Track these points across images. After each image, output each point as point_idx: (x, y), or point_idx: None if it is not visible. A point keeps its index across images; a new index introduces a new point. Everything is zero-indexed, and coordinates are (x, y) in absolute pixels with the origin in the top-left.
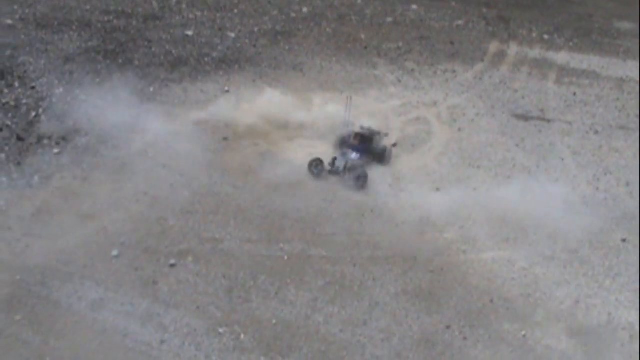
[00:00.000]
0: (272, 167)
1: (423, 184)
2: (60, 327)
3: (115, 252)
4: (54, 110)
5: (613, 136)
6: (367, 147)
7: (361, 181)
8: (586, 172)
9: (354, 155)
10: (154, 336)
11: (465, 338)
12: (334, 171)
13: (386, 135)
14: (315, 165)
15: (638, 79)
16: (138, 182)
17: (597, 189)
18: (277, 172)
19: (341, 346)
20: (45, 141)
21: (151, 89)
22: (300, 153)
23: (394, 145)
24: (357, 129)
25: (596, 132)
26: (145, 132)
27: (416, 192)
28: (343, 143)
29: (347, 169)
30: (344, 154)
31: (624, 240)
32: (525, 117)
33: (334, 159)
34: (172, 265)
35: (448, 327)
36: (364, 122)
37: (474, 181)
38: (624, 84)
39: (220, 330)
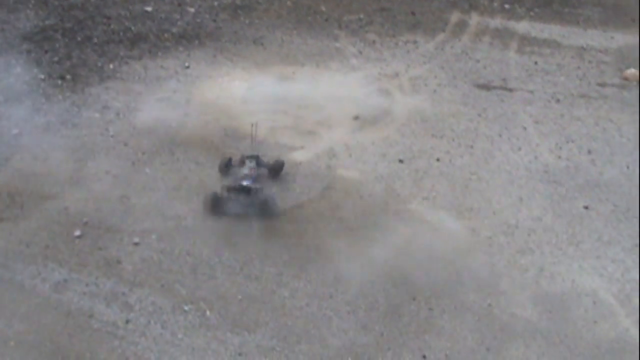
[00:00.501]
0: (234, 142)
1: (386, 155)
2: (24, 309)
3: (77, 232)
4: (11, 90)
5: (574, 104)
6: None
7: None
8: (548, 141)
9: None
10: (119, 316)
11: (430, 309)
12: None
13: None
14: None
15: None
16: (99, 161)
17: (559, 157)
18: (239, 147)
19: (307, 320)
20: (4, 122)
21: (111, 66)
22: (262, 126)
23: (356, 118)
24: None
25: (558, 101)
26: (105, 110)
27: (379, 163)
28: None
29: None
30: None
31: (586, 208)
32: (487, 87)
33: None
34: (136, 244)
35: (414, 299)
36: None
37: (437, 151)
38: (584, 53)
39: (186, 308)
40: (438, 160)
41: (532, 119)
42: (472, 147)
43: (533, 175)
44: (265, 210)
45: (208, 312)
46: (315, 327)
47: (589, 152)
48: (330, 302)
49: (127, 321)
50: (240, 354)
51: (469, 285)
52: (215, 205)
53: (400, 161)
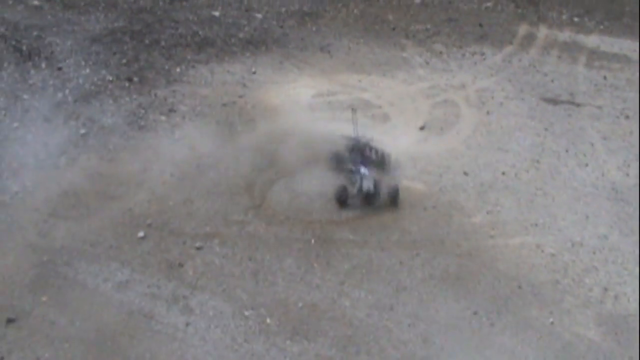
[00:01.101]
0: (299, 149)
1: (450, 167)
2: (87, 308)
3: (141, 234)
4: (80, 91)
5: None
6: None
7: (396, 196)
8: (616, 158)
9: (365, 171)
10: (179, 318)
11: (492, 324)
12: (365, 195)
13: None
14: (340, 193)
15: None
16: (164, 164)
17: (627, 174)
18: (304, 153)
19: (367, 330)
20: (72, 122)
21: (178, 69)
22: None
23: (422, 128)
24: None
25: (627, 117)
26: (172, 113)
27: (444, 175)
28: (343, 159)
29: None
30: (355, 173)
31: None
32: (554, 101)
33: (358, 181)
34: (198, 248)
35: (475, 313)
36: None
37: (503, 165)
38: None
39: (246, 313)
40: (503, 174)
41: (600, 134)
42: (538, 161)
43: (600, 192)
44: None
45: (268, 319)
46: (375, 339)
47: None
48: (390, 314)
49: (188, 324)
50: None
51: (531, 302)
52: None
53: (465, 174)
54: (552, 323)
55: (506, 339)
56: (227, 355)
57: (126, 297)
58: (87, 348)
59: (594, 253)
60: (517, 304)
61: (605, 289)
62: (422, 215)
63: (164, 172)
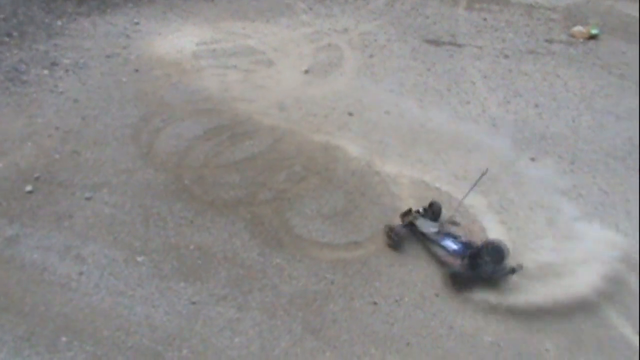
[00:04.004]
0: (185, 96)
1: (335, 108)
2: None
3: (29, 188)
4: None
5: (522, 60)
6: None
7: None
8: (496, 95)
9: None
10: (72, 269)
11: (377, 256)
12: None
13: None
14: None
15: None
16: (49, 118)
17: (507, 110)
18: (190, 99)
19: (259, 268)
20: None
21: (59, 23)
22: (212, 81)
23: (306, 72)
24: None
25: (506, 57)
26: (54, 67)
27: (329, 116)
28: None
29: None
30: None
31: (532, 159)
32: (436, 43)
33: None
34: (88, 198)
35: (357, 244)
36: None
37: (387, 105)
38: (533, 10)
39: (139, 259)
40: (387, 113)
41: (481, 73)
42: (421, 100)
43: (481, 127)
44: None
45: (161, 263)
46: (267, 276)
47: (536, 106)
48: (280, 252)
49: (81, 273)
50: (193, 303)
51: None
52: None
53: (350, 114)
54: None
55: (395, 269)
56: (122, 301)
57: (17, 251)
58: None
59: (477, 185)
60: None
61: (489, 220)
62: (307, 155)
63: (49, 126)
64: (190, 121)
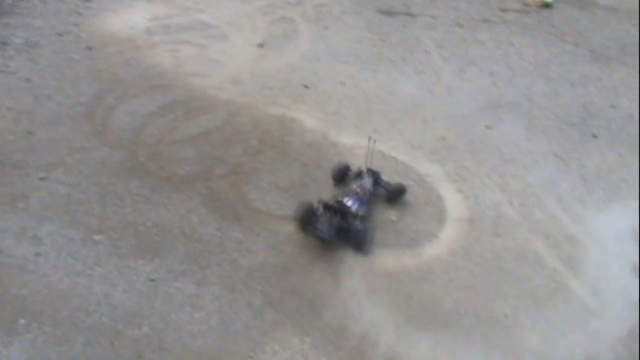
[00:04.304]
0: (139, 72)
1: (290, 81)
2: None
3: None
4: None
5: (477, 29)
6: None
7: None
8: (451, 64)
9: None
10: (29, 250)
11: None
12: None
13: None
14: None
15: None
16: (1, 98)
17: (462, 79)
18: (144, 75)
19: (217, 243)
20: None
21: (8, 1)
22: (166, 57)
23: (260, 45)
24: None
25: (460, 26)
26: (4, 47)
27: (285, 90)
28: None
29: None
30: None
31: (488, 127)
32: (390, 13)
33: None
34: (43, 179)
35: None
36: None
37: (341, 76)
38: None
39: (96, 238)
40: (342, 84)
41: (435, 43)
42: (375, 71)
43: (436, 97)
44: (356, 243)
45: (119, 241)
46: (225, 250)
47: (491, 74)
48: (238, 226)
49: (38, 254)
50: (152, 280)
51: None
52: (307, 219)
53: (305, 86)
54: (394, 222)
55: None
56: (80, 281)
57: None
58: None
59: (432, 154)
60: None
61: (446, 189)
62: (261, 128)
63: (1, 107)
64: (145, 98)
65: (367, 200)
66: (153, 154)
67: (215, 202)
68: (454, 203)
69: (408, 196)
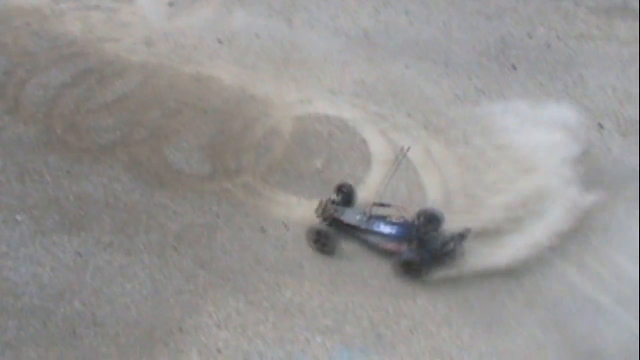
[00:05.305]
0: (48, 43)
1: (204, 38)
2: None
3: None
4: None
5: None
6: None
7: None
8: (366, 6)
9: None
10: None
11: (265, 180)
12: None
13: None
14: None
15: None
16: None
17: (378, 21)
18: (54, 46)
19: (143, 210)
20: None
21: None
22: (75, 24)
23: (170, 4)
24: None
25: None
26: None
27: (198, 46)
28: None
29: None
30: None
31: (407, 67)
32: None
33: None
34: None
35: (238, 171)
36: None
37: (255, 28)
38: None
39: (19, 218)
40: (257, 36)
41: None
42: (290, 20)
43: (353, 40)
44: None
45: (42, 219)
46: (152, 216)
47: (407, 13)
48: (163, 190)
49: None
50: (80, 255)
51: (305, 154)
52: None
53: (220, 41)
54: (318, 170)
55: (280, 194)
56: (5, 264)
57: None
58: None
59: (353, 97)
60: (291, 158)
61: (368, 131)
62: (179, 88)
63: None
64: (56, 68)
65: None
66: (70, 125)
67: (138, 168)
68: (378, 145)
69: (332, 142)
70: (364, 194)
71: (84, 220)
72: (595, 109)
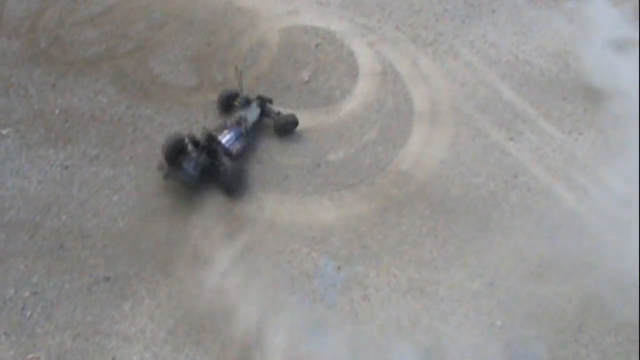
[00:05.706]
0: None
1: None
2: None
3: None
4: None
5: None
6: None
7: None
8: None
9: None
10: None
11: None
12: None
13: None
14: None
15: None
16: None
17: None
18: None
19: (128, 122)
20: None
21: None
22: None
23: None
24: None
25: None
26: None
27: None
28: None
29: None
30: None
31: None
32: None
33: None
34: None
35: (224, 83)
36: None
37: None
38: None
39: (4, 132)
40: None
41: None
42: None
43: None
44: (225, 185)
45: (27, 133)
46: (138, 128)
47: None
48: (149, 102)
49: None
50: (66, 168)
51: (290, 64)
52: (174, 157)
53: None
54: (305, 81)
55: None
56: None
57: None
58: None
59: (341, 9)
60: (277, 70)
61: (357, 44)
62: (167, 0)
63: None
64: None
65: (248, 133)
66: (54, 39)
67: (123, 81)
68: (365, 58)
69: (320, 54)
70: (352, 104)
71: (70, 133)
72: None
